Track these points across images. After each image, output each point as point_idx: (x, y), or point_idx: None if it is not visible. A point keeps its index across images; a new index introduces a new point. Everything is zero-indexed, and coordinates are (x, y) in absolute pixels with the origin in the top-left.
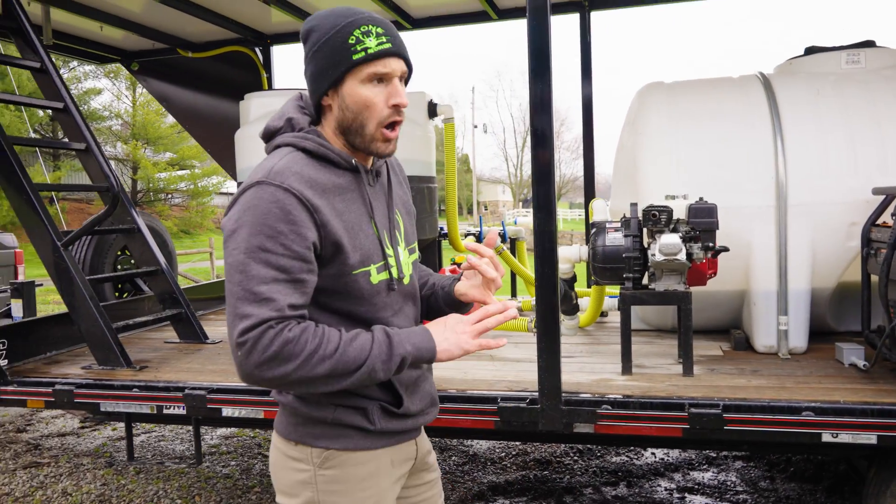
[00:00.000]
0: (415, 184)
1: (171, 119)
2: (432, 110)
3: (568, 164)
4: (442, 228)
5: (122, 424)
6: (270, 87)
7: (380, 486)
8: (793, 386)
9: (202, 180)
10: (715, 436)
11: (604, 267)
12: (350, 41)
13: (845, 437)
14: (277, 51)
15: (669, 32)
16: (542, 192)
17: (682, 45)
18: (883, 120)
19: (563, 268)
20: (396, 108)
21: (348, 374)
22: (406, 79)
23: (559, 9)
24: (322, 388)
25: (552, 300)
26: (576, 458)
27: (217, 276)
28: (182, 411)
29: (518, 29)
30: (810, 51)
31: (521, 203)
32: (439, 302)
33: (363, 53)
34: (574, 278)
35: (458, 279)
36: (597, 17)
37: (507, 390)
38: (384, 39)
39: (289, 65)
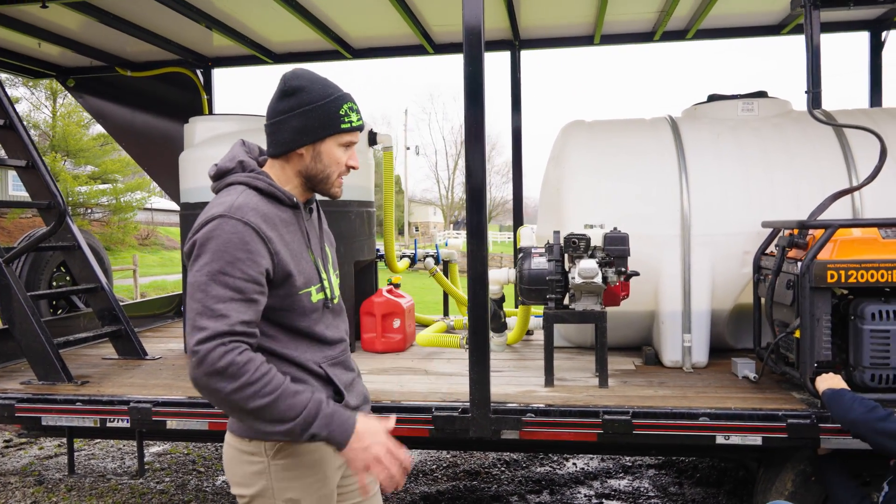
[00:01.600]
0: (354, 208)
1: (93, 131)
2: (372, 139)
3: (498, 188)
4: (379, 250)
5: (49, 443)
6: (211, 109)
7: (325, 472)
8: (693, 395)
9: (125, 195)
10: (625, 440)
11: (529, 288)
12: (341, 112)
13: (735, 439)
14: (218, 73)
15: (591, 72)
16: (475, 220)
17: (602, 83)
18: (772, 162)
19: (493, 289)
20: (349, 168)
21: (271, 422)
22: None
23: (492, 46)
24: (242, 418)
25: (483, 318)
26: (503, 468)
27: (141, 295)
28: (126, 424)
29: (453, 59)
30: (712, 98)
31: (452, 225)
32: None
33: (349, 125)
34: (503, 299)
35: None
36: (527, 55)
37: (440, 401)
38: (360, 117)
39: (228, 87)
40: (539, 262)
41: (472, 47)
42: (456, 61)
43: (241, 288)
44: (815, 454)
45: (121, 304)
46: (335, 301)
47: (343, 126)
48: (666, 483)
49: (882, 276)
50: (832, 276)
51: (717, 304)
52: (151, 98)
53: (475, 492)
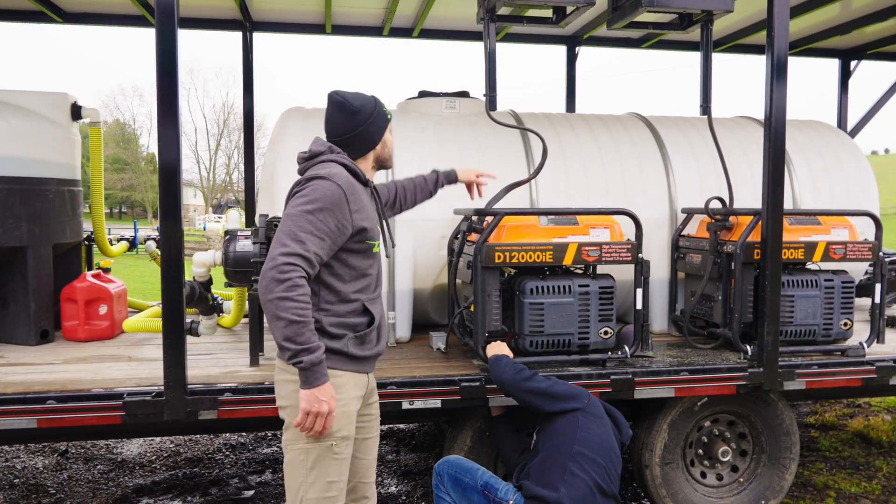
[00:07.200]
0: (53, 186)
1: None
2: (76, 113)
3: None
4: (88, 232)
5: None
6: None
7: (347, 396)
8: (387, 367)
9: None
10: None
11: (234, 270)
12: (384, 111)
13: (419, 404)
14: None
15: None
16: (170, 201)
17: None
18: (467, 156)
19: (199, 271)
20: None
21: (281, 329)
22: None
23: (223, 25)
24: (269, 318)
25: (178, 301)
26: (227, 453)
27: None
28: None
29: (207, 34)
30: (422, 94)
31: (212, 208)
32: (442, 183)
33: (390, 115)
34: (210, 281)
35: (454, 172)
36: (263, 37)
37: (135, 386)
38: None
39: None
40: (244, 245)
41: (165, 25)
42: (207, 36)
43: (321, 228)
44: (489, 413)
45: None
46: (388, 256)
47: (389, 118)
48: (385, 452)
49: (538, 256)
50: (499, 257)
51: (419, 284)
52: None
53: (194, 478)
